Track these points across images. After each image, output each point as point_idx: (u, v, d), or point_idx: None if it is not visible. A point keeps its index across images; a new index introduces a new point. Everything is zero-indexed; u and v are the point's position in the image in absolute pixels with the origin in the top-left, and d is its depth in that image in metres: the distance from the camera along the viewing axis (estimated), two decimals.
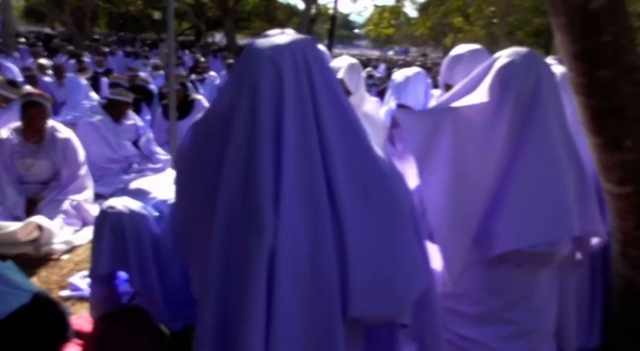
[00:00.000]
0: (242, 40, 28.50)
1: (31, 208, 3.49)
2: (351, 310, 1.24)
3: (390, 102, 3.76)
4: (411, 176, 1.75)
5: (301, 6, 22.21)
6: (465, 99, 1.78)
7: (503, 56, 1.72)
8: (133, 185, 2.49)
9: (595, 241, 2.06)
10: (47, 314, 2.03)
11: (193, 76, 9.43)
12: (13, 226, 3.14)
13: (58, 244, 3.24)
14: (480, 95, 1.73)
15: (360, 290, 1.24)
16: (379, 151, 1.37)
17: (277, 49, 1.28)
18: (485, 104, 1.70)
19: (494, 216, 1.68)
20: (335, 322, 1.24)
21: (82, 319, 2.35)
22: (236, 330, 1.23)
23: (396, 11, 18.69)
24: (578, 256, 1.92)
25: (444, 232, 1.68)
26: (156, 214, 2.33)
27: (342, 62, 2.87)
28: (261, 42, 1.31)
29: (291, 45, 1.29)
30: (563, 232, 1.67)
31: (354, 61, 2.92)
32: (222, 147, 1.30)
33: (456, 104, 1.76)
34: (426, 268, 1.41)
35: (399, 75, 3.66)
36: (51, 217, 3.38)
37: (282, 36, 1.34)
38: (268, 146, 1.23)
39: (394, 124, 1.80)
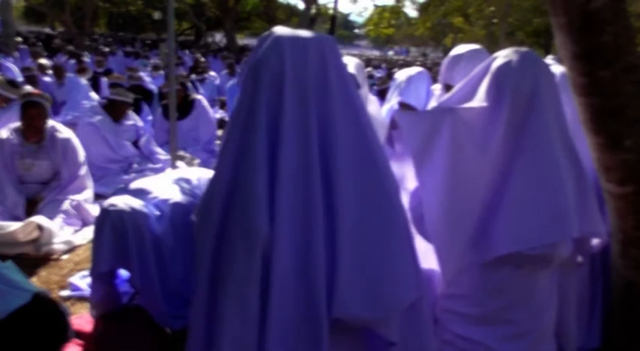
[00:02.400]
0: (242, 40, 28.47)
1: (31, 208, 3.49)
2: (334, 310, 1.23)
3: (392, 100, 3.78)
4: (410, 178, 1.75)
5: (301, 6, 22.22)
6: (463, 100, 1.78)
7: (501, 57, 1.72)
8: (134, 185, 2.49)
9: (595, 241, 2.06)
10: (47, 314, 2.03)
11: (193, 76, 9.43)
12: (13, 226, 3.14)
13: (58, 244, 3.24)
14: (478, 96, 1.73)
15: (345, 291, 1.23)
16: (384, 157, 1.36)
17: (292, 39, 1.26)
18: (483, 105, 1.70)
19: (493, 218, 1.68)
20: (320, 319, 1.22)
21: (82, 319, 2.35)
22: (225, 327, 1.23)
23: (396, 11, 18.61)
24: (579, 257, 1.92)
25: (440, 233, 1.68)
26: (157, 213, 2.33)
27: (349, 60, 2.90)
28: (282, 30, 1.29)
29: (311, 39, 1.28)
30: (563, 234, 1.66)
31: (358, 60, 2.95)
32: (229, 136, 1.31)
33: (454, 106, 1.76)
34: (418, 282, 1.38)
35: (401, 74, 3.68)
36: (51, 217, 3.38)
37: (307, 32, 1.32)
38: (264, 136, 1.22)
39: (393, 125, 1.80)
